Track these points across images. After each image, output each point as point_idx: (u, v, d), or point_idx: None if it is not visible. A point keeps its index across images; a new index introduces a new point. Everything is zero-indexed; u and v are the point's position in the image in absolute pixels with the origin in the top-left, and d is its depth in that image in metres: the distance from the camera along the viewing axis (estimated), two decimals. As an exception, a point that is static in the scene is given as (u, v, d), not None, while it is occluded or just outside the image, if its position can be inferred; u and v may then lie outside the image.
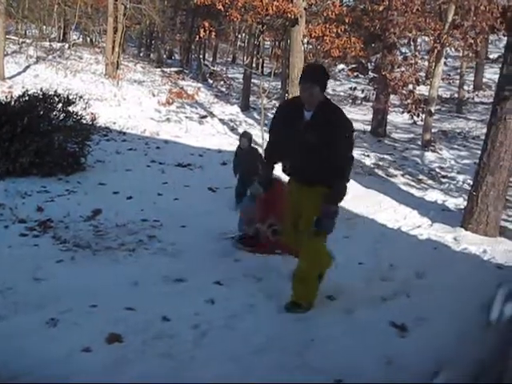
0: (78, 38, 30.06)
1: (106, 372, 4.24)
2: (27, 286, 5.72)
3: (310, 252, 5.57)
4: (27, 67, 20.98)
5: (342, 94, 25.74)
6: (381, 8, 17.13)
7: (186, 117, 17.99)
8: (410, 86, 17.96)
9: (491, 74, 25.67)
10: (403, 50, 20.88)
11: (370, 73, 20.26)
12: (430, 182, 13.13)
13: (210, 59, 33.76)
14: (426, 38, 19.57)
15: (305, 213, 5.37)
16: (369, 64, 19.84)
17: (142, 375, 4.26)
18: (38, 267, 6.20)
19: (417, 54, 19.66)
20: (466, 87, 24.72)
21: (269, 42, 34.84)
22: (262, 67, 29.69)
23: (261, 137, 14.94)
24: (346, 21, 15.04)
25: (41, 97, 10.89)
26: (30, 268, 6.16)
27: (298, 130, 5.06)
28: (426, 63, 23.34)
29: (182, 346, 4.73)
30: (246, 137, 10.05)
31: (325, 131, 4.89)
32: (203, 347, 4.75)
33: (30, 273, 6.04)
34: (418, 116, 17.82)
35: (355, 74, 20.54)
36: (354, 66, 19.97)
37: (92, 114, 12.73)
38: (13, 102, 10.58)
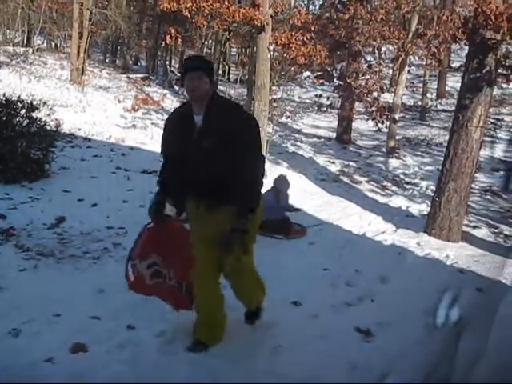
0: (43, 43, 29.66)
1: (70, 382, 4.19)
2: (-12, 296, 5.63)
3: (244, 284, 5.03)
4: (-10, 72, 20.65)
5: (307, 101, 25.94)
6: (346, 16, 17.34)
7: (152, 123, 17.86)
8: (375, 94, 18.21)
9: (453, 82, 26.19)
10: (368, 58, 21.13)
11: (335, 80, 20.41)
12: (394, 188, 13.33)
13: (177, 65, 33.64)
14: (391, 47, 19.88)
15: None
16: (334, 71, 19.99)
17: (107, 381, 4.23)
18: (-1, 276, 6.10)
19: (381, 62, 19.97)
20: (429, 95, 25.15)
21: (235, 49, 34.97)
22: (229, 74, 29.76)
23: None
24: (312, 29, 15.16)
25: (3, 102, 10.70)
26: (-9, 277, 6.06)
27: (190, 140, 4.27)
28: (391, 71, 23.67)
29: (147, 353, 4.71)
30: None
31: (223, 133, 4.12)
32: (169, 355, 4.73)
33: (-9, 282, 5.94)
34: (383, 123, 18.07)
35: (321, 81, 20.65)
36: (319, 73, 20.08)
37: (56, 120, 12.60)
38: (-26, 108, 10.39)
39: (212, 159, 4.17)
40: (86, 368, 4.38)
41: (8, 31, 28.47)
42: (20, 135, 10.33)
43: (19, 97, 11.28)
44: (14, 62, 22.55)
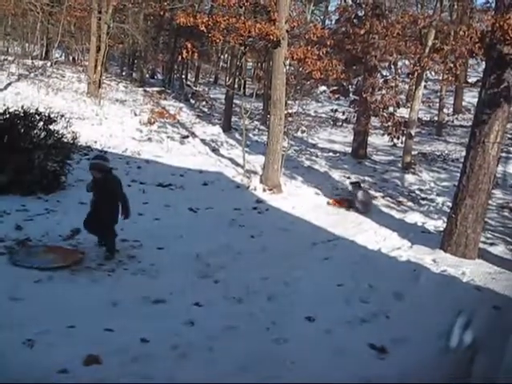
0: (61, 56, 30.03)
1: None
2: (4, 306, 5.65)
3: None
4: (8, 84, 20.82)
5: (323, 115, 25.94)
6: (362, 31, 17.37)
7: (168, 136, 17.98)
8: (391, 109, 18.16)
9: (470, 97, 26.08)
10: (384, 73, 21.08)
11: (351, 95, 20.36)
12: (409, 203, 13.24)
13: (193, 79, 33.86)
14: (407, 62, 19.84)
15: None
16: (350, 86, 19.95)
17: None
18: (15, 287, 6.12)
19: (397, 77, 19.91)
20: (445, 110, 25.05)
21: (251, 63, 35.10)
22: (244, 88, 29.86)
23: (242, 157, 15.00)
24: (328, 43, 15.21)
25: (22, 115, 10.81)
26: (7, 287, 6.08)
27: None
28: (407, 86, 23.65)
29: (160, 367, 4.70)
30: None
31: None
32: (183, 368, 4.72)
33: (8, 292, 5.96)
34: (398, 138, 17.99)
35: (336, 96, 20.62)
36: (335, 88, 20.06)
37: (73, 132, 12.63)
38: (-7, 120, 10.50)
39: None
40: (99, 380, 4.38)
41: (27, 44, 28.87)
42: (37, 147, 10.42)
43: (37, 109, 11.40)
44: (32, 74, 22.82)
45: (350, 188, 12.98)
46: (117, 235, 7.69)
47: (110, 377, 4.45)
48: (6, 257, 7.05)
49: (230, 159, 16.05)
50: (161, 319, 5.63)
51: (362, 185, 13.16)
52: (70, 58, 30.69)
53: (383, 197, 13.67)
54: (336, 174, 15.77)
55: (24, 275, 6.53)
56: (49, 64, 25.37)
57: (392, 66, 21.27)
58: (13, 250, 7.27)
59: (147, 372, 4.60)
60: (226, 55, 31.21)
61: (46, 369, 4.47)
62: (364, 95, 17.62)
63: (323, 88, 25.55)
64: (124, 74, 32.01)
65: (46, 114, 11.23)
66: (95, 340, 5.02)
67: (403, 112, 20.86)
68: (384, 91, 18.06)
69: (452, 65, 16.64)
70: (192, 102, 26.10)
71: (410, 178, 16.25)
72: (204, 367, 4.74)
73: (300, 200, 12.34)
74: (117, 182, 7.68)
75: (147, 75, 31.78)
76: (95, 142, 15.52)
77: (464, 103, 27.33)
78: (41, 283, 6.41)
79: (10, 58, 24.40)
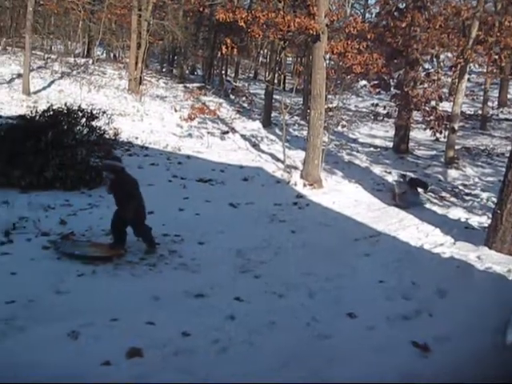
0: (102, 54, 30.49)
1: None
2: (49, 299, 5.77)
3: None
4: (52, 82, 21.27)
5: (364, 110, 25.70)
6: (403, 24, 17.10)
7: (208, 132, 18.06)
8: (433, 103, 17.85)
9: (516, 90, 25.49)
10: (426, 66, 20.75)
11: (392, 89, 20.07)
12: (453, 199, 12.98)
13: (232, 75, 33.95)
14: (449, 54, 19.52)
15: None
16: (391, 80, 19.66)
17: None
18: (60, 280, 6.25)
19: (440, 70, 19.61)
20: (490, 103, 24.51)
21: (291, 58, 34.98)
22: (284, 83, 29.77)
23: (282, 152, 14.96)
24: (368, 37, 15.03)
25: (65, 112, 11.04)
26: (52, 281, 6.21)
27: None
28: (449, 79, 23.19)
29: (201, 361, 4.72)
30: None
31: None
32: (223, 363, 4.73)
33: (53, 286, 6.09)
34: (441, 133, 17.69)
35: (377, 90, 20.34)
36: (376, 82, 19.80)
37: (115, 128, 12.87)
38: (37, 117, 10.73)
39: None
40: (141, 373, 4.42)
41: (69, 43, 29.44)
42: (80, 143, 10.62)
43: (80, 106, 11.63)
44: (75, 72, 23.25)
45: (395, 183, 12.61)
46: (151, 228, 7.72)
47: (152, 370, 4.49)
48: (51, 251, 7.19)
49: (270, 154, 16.04)
50: (202, 313, 5.65)
51: (411, 179, 12.90)
52: (111, 55, 31.14)
53: (425, 192, 13.43)
54: (377, 169, 15.59)
55: (68, 269, 6.66)
56: (91, 61, 25.80)
57: (434, 59, 20.95)
58: (57, 243, 7.41)
59: (188, 366, 4.62)
60: (266, 50, 31.24)
61: (90, 360, 4.54)
62: (405, 89, 17.36)
63: (364, 82, 25.27)
64: (164, 70, 32.29)
65: (89, 111, 11.44)
66: (137, 333, 5.07)
67: (446, 106, 20.50)
68: (426, 85, 17.78)
69: (496, 57, 16.26)
70: (232, 97, 26.17)
71: (453, 173, 15.95)
72: (244, 362, 4.74)
73: (341, 195, 12.23)
74: (132, 182, 7.54)
75: (187, 71, 31.99)
76: (136, 137, 15.70)
77: (509, 96, 26.72)
78: (84, 277, 6.52)
79: (53, 57, 24.93)
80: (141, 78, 23.02)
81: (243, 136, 18.52)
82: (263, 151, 16.53)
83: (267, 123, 21.01)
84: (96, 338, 4.94)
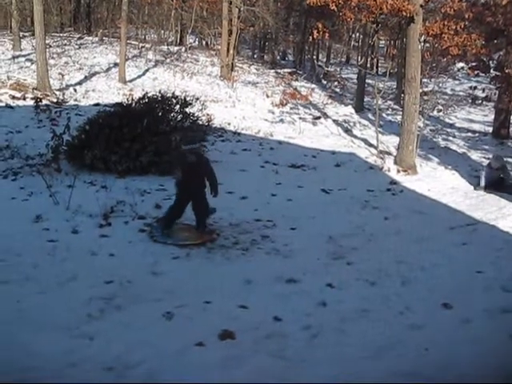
0: (194, 42, 30.97)
1: (219, 367, 4.30)
2: (145, 280, 5.98)
3: None
4: (146, 70, 21.87)
5: (461, 93, 24.76)
6: (504, 2, 16.20)
7: (300, 118, 17.98)
8: (537, 84, 16.88)
9: None
10: (529, 46, 19.66)
11: (491, 71, 19.15)
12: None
13: (324, 60, 33.54)
14: (556, 32, 18.30)
15: None
16: (491, 62, 18.76)
17: (254, 373, 4.29)
18: (155, 262, 6.45)
19: (545, 49, 18.45)
20: None
21: (383, 42, 34.16)
22: (377, 67, 29.08)
23: (375, 138, 14.67)
24: (466, 17, 14.37)
25: (159, 99, 11.30)
26: (148, 262, 6.43)
27: None
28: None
29: (292, 346, 4.72)
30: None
31: None
32: (314, 349, 4.71)
33: (149, 267, 6.29)
34: (546, 117, 16.73)
35: (476, 72, 19.43)
36: (474, 64, 18.93)
37: (208, 115, 13.03)
38: (134, 104, 11.05)
39: None
40: (234, 355, 4.47)
41: (162, 31, 30.15)
42: (174, 130, 10.82)
43: (173, 93, 11.86)
44: (168, 60, 23.78)
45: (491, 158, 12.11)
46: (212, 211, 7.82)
47: (244, 353, 4.54)
48: (147, 234, 7.42)
49: (363, 140, 15.76)
50: (293, 299, 5.66)
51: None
52: (203, 42, 31.56)
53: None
54: (475, 156, 14.95)
55: (163, 252, 6.85)
56: (183, 49, 26.29)
57: (538, 38, 19.74)
58: (152, 227, 7.63)
59: (280, 350, 4.64)
60: (358, 34, 30.62)
61: (184, 341, 4.65)
62: (506, 70, 16.46)
63: (461, 64, 24.24)
64: (255, 56, 32.40)
65: (182, 98, 11.65)
66: (230, 316, 5.15)
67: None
68: (530, 65, 16.82)
69: None
70: (324, 82, 25.90)
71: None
72: (335, 349, 4.70)
73: (436, 182, 11.84)
74: (209, 163, 7.67)
75: (278, 57, 31.93)
76: (228, 123, 15.88)
77: None
78: (179, 259, 6.69)
79: (147, 45, 25.63)
80: (232, 64, 23.22)
81: (335, 121, 18.30)
82: (356, 137, 16.27)
83: (360, 108, 20.66)
84: (190, 319, 5.06)
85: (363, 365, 4.45)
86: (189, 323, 4.99)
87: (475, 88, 21.04)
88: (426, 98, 16.05)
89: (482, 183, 11.23)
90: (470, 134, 18.18)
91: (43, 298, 5.37)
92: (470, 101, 22.20)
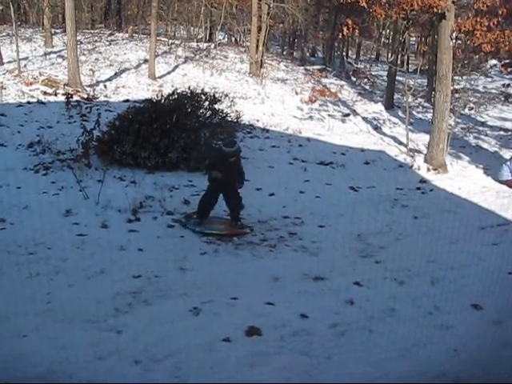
0: (224, 38, 31.04)
1: (245, 364, 4.31)
2: (173, 275, 6.01)
3: None
4: (176, 67, 21.98)
5: (493, 91, 24.32)
6: (540, -3, 15.93)
7: (329, 115, 17.85)
8: None
9: None
10: None
11: (526, 68, 18.88)
12: None
13: (354, 56, 33.32)
14: None
15: None
16: (525, 59, 18.48)
17: (279, 370, 4.29)
18: (183, 258, 6.49)
19: None
20: None
21: (414, 38, 33.79)
22: (407, 64, 28.69)
23: (405, 135, 14.53)
24: (500, 13, 14.11)
25: (189, 95, 11.34)
26: (176, 258, 6.46)
27: None
28: None
29: (319, 344, 4.71)
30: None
31: None
32: (341, 347, 4.68)
33: (177, 262, 6.33)
34: None
35: (509, 69, 19.19)
36: (507, 61, 18.68)
37: (237, 111, 13.03)
38: (163, 100, 11.10)
39: None
40: (260, 351, 4.48)
41: (192, 28, 30.30)
42: (203, 126, 10.86)
43: (203, 89, 11.90)
44: (197, 56, 23.86)
45: None
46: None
47: (271, 349, 4.54)
48: (175, 229, 7.46)
49: (393, 137, 15.61)
50: (320, 296, 5.64)
51: None
52: (233, 39, 31.62)
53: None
54: (508, 155, 14.68)
55: (191, 247, 6.90)
56: (212, 46, 26.36)
57: None
58: (181, 222, 7.68)
59: (306, 347, 4.63)
60: (388, 30, 30.30)
61: (210, 336, 4.68)
62: (541, 68, 16.21)
63: (493, 62, 23.92)
64: (285, 53, 32.31)
65: (211, 94, 11.67)
66: (256, 312, 5.16)
67: None
68: None
69: None
70: (353, 79, 25.71)
71: None
72: (362, 348, 4.66)
73: (467, 181, 11.66)
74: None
75: (308, 54, 31.81)
76: (257, 120, 15.87)
77: None
78: (207, 255, 6.72)
79: (177, 42, 25.75)
80: (262, 61, 23.19)
81: (365, 119, 18.15)
82: (385, 134, 16.12)
83: (390, 105, 20.45)
84: (216, 315, 5.09)
85: (390, 365, 4.41)
86: (216, 319, 5.01)
87: (508, 85, 20.68)
88: (457, 95, 15.82)
89: (504, 177, 11.15)
90: (502, 133, 17.85)
91: (72, 291, 5.46)
92: (503, 99, 21.81)
